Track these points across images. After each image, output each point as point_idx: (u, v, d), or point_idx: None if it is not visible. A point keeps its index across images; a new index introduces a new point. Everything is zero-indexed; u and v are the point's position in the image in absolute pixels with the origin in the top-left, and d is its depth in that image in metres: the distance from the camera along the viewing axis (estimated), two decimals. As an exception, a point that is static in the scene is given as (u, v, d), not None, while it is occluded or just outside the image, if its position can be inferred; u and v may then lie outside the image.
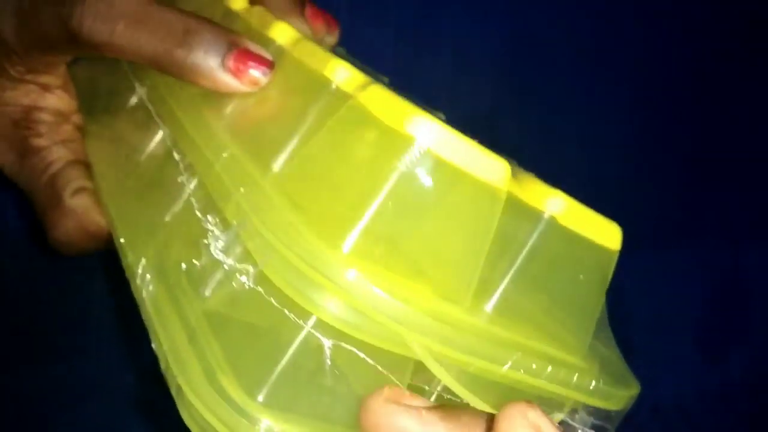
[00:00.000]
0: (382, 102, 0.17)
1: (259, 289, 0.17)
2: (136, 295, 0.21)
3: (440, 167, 0.16)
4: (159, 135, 0.24)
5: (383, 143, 0.16)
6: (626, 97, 0.58)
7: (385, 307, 0.15)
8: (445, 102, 0.49)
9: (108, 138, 0.26)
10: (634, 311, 0.63)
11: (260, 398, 0.16)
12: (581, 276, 0.19)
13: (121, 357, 0.40)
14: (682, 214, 0.65)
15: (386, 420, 0.16)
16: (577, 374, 0.18)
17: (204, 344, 0.17)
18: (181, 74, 0.20)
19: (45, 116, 0.25)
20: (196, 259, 0.18)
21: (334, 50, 0.26)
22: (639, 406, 0.71)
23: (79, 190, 0.25)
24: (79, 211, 0.25)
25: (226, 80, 0.19)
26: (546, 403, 0.18)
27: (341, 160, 0.17)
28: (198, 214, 0.19)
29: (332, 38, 0.28)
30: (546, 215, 0.18)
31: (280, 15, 0.23)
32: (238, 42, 0.20)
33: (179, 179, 0.21)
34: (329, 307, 0.15)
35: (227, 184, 0.18)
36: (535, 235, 0.18)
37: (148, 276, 0.20)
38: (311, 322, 0.16)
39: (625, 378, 0.20)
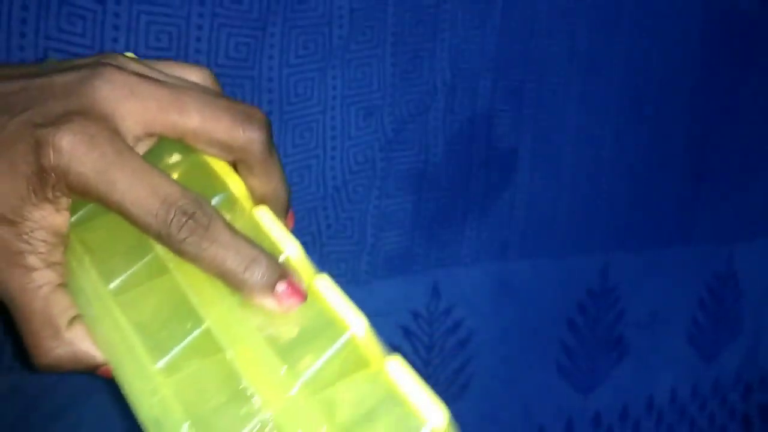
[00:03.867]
0: (403, 378, 0.24)
1: None
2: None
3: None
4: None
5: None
6: (621, 99, 0.59)
7: None
8: (444, 104, 0.50)
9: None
10: (629, 310, 0.64)
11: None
12: None
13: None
14: (675, 214, 0.65)
15: None
16: None
17: None
18: (239, 290, 0.25)
19: (48, 236, 0.26)
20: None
21: None
22: (634, 403, 0.72)
23: (74, 320, 0.26)
24: (76, 342, 0.26)
25: (269, 302, 0.25)
26: None
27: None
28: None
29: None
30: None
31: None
32: (286, 275, 0.25)
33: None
34: None
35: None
36: None
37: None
38: None
39: None
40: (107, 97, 0.25)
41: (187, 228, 0.24)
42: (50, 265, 0.26)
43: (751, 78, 0.67)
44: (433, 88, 0.48)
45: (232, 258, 0.25)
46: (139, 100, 0.26)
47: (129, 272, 0.27)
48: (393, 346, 0.47)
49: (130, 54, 0.30)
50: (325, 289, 0.26)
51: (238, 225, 0.27)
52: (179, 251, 0.25)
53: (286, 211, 0.32)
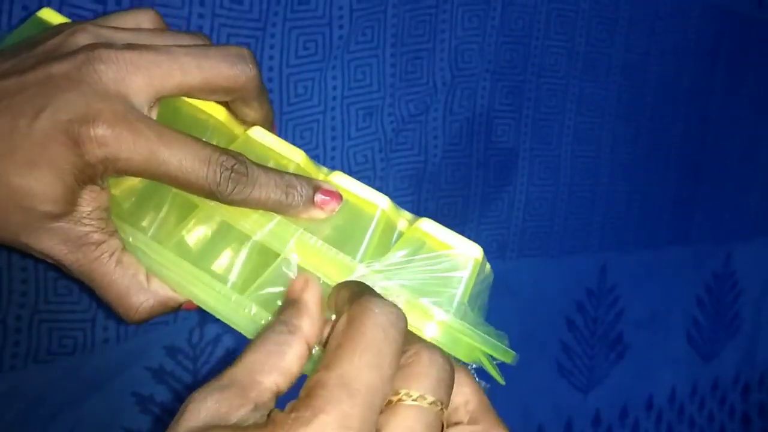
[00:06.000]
0: (436, 230, 0.28)
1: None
2: None
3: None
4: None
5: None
6: (620, 100, 0.59)
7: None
8: (444, 104, 0.50)
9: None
10: (628, 309, 0.64)
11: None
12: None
13: (125, 353, 0.40)
14: (673, 214, 0.65)
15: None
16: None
17: None
18: (285, 213, 0.28)
19: (101, 212, 0.28)
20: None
21: None
22: (634, 402, 0.72)
23: (150, 275, 0.29)
24: (160, 291, 0.29)
25: (314, 212, 0.28)
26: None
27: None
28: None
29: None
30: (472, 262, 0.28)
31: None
32: (320, 185, 0.29)
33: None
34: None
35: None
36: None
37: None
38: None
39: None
40: (115, 78, 0.26)
41: (233, 180, 0.27)
42: (111, 234, 0.28)
43: (747, 79, 0.68)
44: (432, 88, 0.48)
45: (273, 191, 0.27)
46: (144, 72, 0.27)
47: (160, 217, 0.29)
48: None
49: (52, 12, 0.32)
50: (344, 181, 0.30)
51: (236, 145, 0.30)
52: (230, 201, 0.27)
53: (273, 125, 0.34)
